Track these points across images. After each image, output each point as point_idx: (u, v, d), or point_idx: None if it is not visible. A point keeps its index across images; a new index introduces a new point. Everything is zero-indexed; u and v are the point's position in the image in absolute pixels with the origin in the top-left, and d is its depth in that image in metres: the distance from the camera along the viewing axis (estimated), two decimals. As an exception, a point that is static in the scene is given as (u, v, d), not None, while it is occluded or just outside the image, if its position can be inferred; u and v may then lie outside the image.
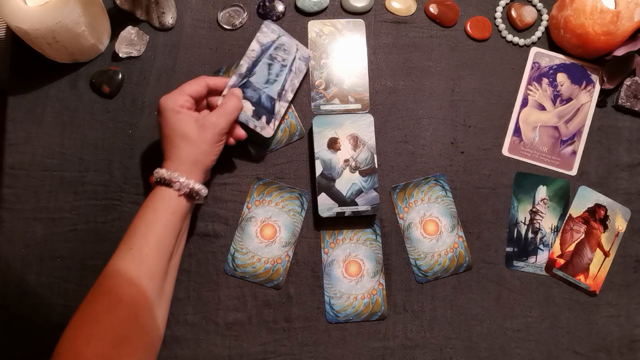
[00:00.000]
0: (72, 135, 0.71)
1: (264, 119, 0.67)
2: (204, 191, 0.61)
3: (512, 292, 0.70)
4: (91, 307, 0.54)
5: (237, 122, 0.65)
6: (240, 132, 0.66)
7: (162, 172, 0.59)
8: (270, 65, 0.67)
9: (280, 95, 0.68)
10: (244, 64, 0.66)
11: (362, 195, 0.68)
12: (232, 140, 0.65)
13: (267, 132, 0.68)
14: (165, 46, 0.73)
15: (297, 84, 0.70)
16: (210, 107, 0.65)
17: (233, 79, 0.65)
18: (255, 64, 0.66)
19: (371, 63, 0.74)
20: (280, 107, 0.68)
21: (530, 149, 0.73)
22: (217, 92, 0.65)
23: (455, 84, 0.74)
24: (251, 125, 0.66)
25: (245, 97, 0.66)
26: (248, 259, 0.69)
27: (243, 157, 0.71)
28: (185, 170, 0.59)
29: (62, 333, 0.51)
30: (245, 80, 0.66)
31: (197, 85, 0.62)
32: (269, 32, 0.68)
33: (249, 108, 0.66)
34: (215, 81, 0.64)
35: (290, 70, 0.69)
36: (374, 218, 0.71)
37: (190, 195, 0.60)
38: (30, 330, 0.66)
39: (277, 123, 0.68)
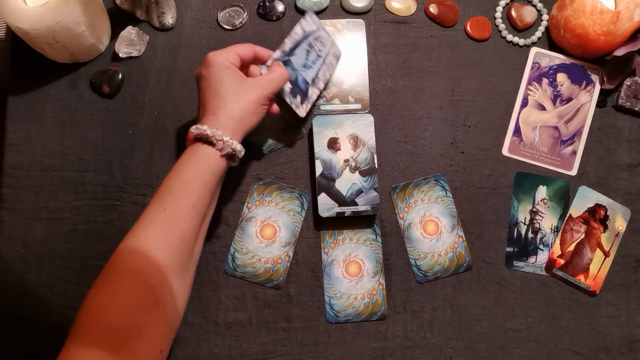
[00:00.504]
0: (72, 135, 0.71)
1: (299, 98, 0.67)
2: (243, 152, 0.59)
3: (512, 292, 0.70)
4: (118, 269, 0.51)
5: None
6: (275, 107, 0.65)
7: (203, 128, 0.55)
8: (308, 51, 0.68)
9: (313, 81, 0.69)
10: (288, 43, 0.66)
11: (362, 195, 0.68)
12: None
13: (301, 111, 0.68)
14: (165, 46, 0.73)
15: (328, 76, 0.71)
16: (250, 77, 0.64)
17: (277, 53, 0.65)
18: (296, 46, 0.67)
19: (371, 63, 0.74)
20: (313, 93, 0.69)
21: (530, 149, 0.73)
22: (260, 61, 0.64)
23: (455, 84, 0.74)
24: (288, 101, 0.66)
25: None
26: (248, 259, 0.69)
27: (243, 157, 0.71)
28: (229, 129, 0.57)
29: (85, 297, 0.49)
30: (287, 59, 0.66)
31: (246, 49, 0.62)
32: (311, 22, 0.68)
33: (287, 85, 0.66)
34: (262, 50, 0.64)
35: (324, 62, 0.70)
36: (374, 218, 0.71)
37: (231, 156, 0.58)
38: (30, 330, 0.66)
39: (309, 106, 0.69)
